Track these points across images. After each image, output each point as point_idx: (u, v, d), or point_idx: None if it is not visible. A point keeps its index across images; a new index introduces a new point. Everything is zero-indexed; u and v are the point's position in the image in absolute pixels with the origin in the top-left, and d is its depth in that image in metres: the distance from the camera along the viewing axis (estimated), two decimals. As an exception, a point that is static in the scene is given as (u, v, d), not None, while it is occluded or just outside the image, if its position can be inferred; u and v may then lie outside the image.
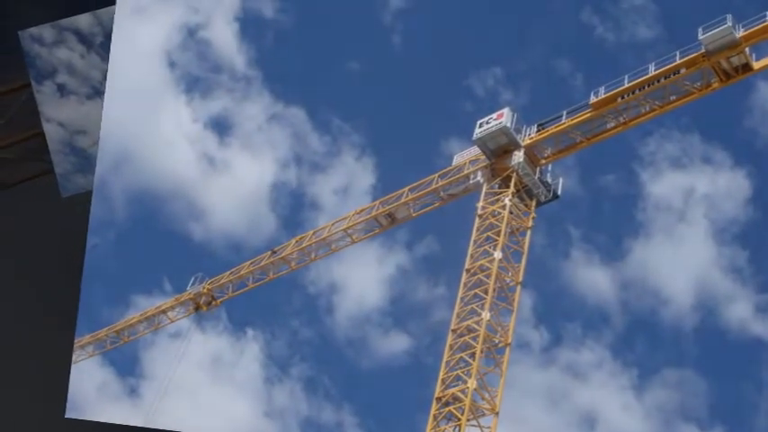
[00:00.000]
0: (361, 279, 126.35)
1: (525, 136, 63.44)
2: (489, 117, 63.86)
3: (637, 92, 59.42)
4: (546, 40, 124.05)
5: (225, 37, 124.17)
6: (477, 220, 62.05)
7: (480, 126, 63.56)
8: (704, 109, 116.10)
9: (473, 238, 61.29)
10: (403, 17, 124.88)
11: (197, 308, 75.00)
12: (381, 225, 68.26)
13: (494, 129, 62.87)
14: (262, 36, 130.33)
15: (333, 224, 70.43)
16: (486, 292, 57.83)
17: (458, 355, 56.12)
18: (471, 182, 64.47)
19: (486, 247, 60.40)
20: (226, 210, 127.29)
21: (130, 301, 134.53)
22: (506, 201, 61.43)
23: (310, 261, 71.93)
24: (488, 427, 54.37)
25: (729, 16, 56.17)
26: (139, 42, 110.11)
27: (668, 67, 58.51)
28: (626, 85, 59.61)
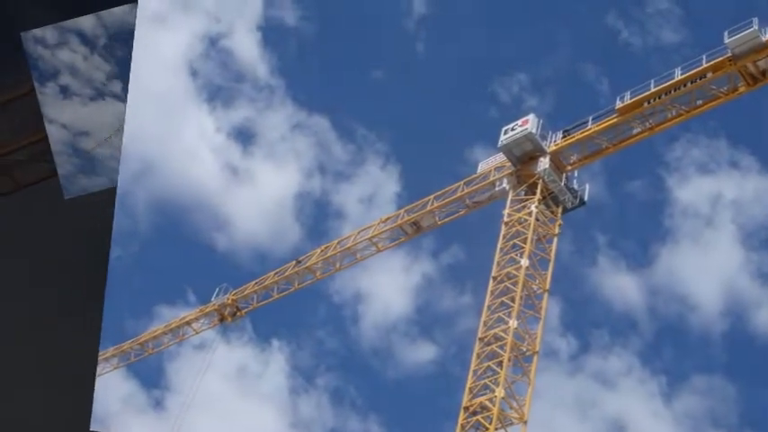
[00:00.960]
0: (387, 288, 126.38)
1: (551, 142, 63.01)
2: (514, 123, 63.56)
3: (663, 96, 58.93)
4: (571, 45, 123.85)
5: (247, 46, 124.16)
6: (503, 227, 61.65)
7: (505, 133, 63.18)
8: (731, 113, 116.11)
9: (499, 245, 60.90)
10: (426, 24, 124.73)
11: (222, 319, 74.66)
12: (407, 233, 67.88)
13: (519, 135, 62.47)
14: (284, 44, 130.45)
15: (358, 233, 70.11)
16: (512, 299, 57.42)
17: (485, 364, 55.72)
18: (497, 189, 64.02)
19: (513, 254, 60.01)
20: (250, 220, 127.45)
21: (154, 312, 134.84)
22: (533, 208, 60.99)
23: (335, 270, 71.66)
24: (517, 437, 54.04)
25: (755, 20, 55.77)
26: (162, 52, 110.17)
27: (694, 71, 58.00)
28: (652, 90, 59.13)
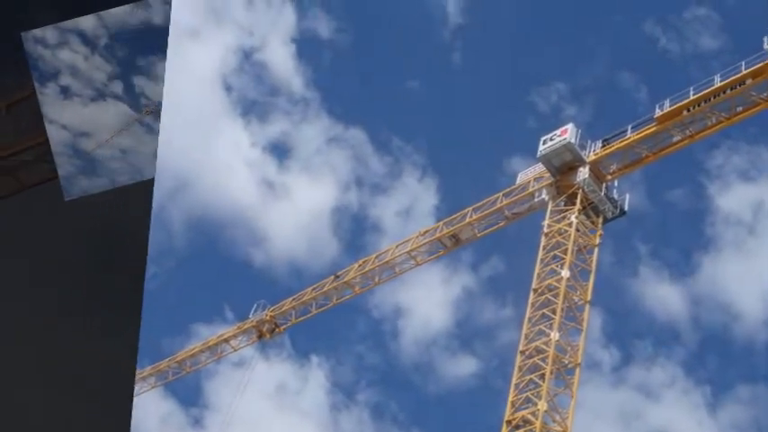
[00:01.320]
0: (426, 302, 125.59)
1: (590, 152, 62.37)
2: (553, 133, 62.96)
3: (702, 104, 58.24)
4: (609, 53, 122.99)
5: (281, 59, 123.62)
6: (543, 238, 61.05)
7: (544, 143, 62.59)
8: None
9: (539, 256, 60.28)
10: (463, 34, 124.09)
11: (260, 336, 74.10)
12: (445, 246, 67.33)
13: (558, 145, 61.87)
14: (319, 56, 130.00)
15: (396, 247, 69.59)
16: (554, 311, 56.80)
17: (527, 377, 55.13)
18: (536, 200, 63.46)
19: (554, 265, 59.38)
20: (286, 235, 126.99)
21: (191, 330, 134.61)
22: (573, 218, 60.34)
23: (374, 285, 71.09)
24: (560, 450, 53.46)
25: (795, 23, 55.13)
26: (195, 66, 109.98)
27: (734, 78, 57.29)
28: (691, 98, 58.43)
